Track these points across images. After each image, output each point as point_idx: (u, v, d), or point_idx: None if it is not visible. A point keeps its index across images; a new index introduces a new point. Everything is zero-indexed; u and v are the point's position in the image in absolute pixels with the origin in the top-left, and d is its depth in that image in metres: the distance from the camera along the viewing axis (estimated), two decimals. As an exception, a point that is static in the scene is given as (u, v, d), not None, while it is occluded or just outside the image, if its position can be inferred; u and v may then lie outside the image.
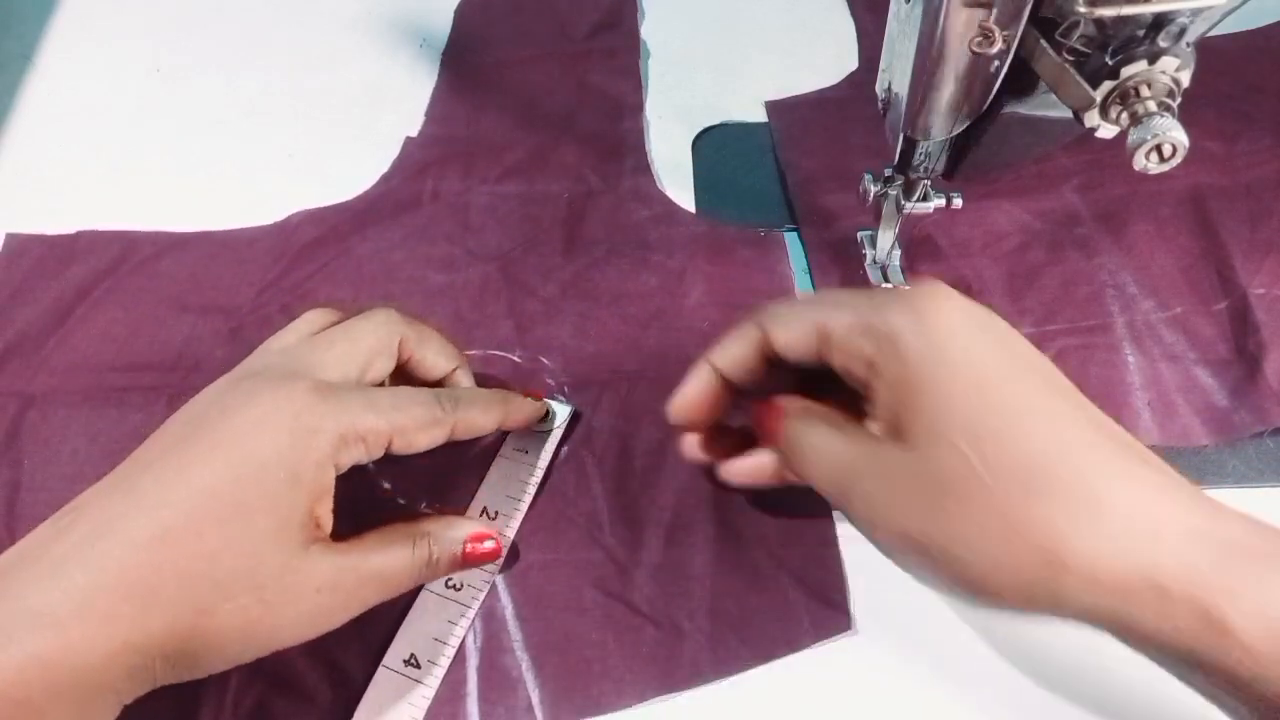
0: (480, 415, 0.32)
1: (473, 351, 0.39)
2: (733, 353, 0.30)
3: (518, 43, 0.44)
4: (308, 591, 0.26)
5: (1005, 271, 0.41)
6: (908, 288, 0.29)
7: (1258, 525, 0.23)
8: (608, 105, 0.48)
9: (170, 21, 0.53)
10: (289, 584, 0.26)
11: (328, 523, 0.28)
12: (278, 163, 0.47)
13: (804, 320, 0.28)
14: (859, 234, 0.41)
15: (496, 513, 0.34)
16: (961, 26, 0.26)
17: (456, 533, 0.31)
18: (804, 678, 0.32)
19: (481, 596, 0.33)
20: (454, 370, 0.34)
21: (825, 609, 0.33)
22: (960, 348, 0.25)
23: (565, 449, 0.36)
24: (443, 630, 0.32)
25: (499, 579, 0.34)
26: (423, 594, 0.33)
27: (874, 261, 0.40)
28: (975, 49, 0.26)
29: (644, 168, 0.46)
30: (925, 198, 0.36)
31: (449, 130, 0.48)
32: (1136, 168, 0.26)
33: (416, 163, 0.46)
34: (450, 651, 0.32)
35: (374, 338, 0.31)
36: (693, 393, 0.31)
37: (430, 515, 0.33)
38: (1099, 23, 0.25)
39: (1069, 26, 0.25)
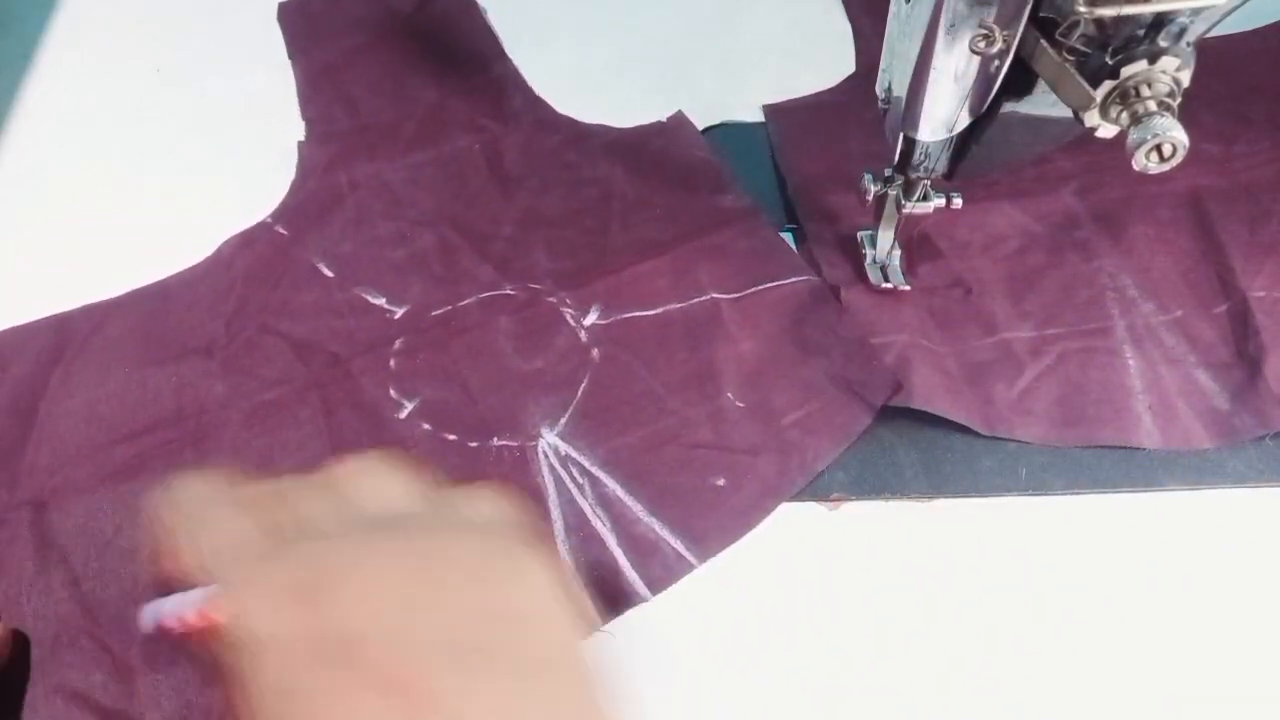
0: None
1: (466, 301, 0.40)
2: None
3: (352, 32, 0.44)
4: None
5: (1005, 274, 0.41)
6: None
7: None
8: (470, 59, 0.48)
9: (170, 21, 0.53)
10: None
11: None
12: (277, 163, 0.47)
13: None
14: (859, 234, 0.41)
15: None
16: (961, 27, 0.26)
17: None
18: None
19: None
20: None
21: (873, 384, 0.37)
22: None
23: (597, 350, 0.39)
24: None
25: (599, 471, 0.36)
26: None
27: (874, 261, 0.40)
28: (975, 49, 0.26)
29: (537, 100, 0.48)
30: (925, 198, 0.36)
31: (333, 127, 0.48)
32: (1136, 167, 0.26)
33: (321, 162, 0.47)
34: None
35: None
36: None
37: None
38: (1099, 22, 0.25)
39: (1069, 26, 0.25)
